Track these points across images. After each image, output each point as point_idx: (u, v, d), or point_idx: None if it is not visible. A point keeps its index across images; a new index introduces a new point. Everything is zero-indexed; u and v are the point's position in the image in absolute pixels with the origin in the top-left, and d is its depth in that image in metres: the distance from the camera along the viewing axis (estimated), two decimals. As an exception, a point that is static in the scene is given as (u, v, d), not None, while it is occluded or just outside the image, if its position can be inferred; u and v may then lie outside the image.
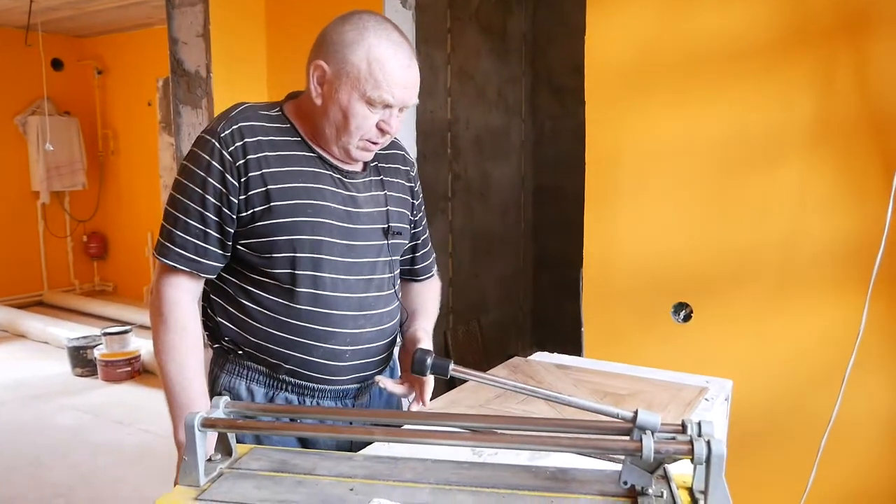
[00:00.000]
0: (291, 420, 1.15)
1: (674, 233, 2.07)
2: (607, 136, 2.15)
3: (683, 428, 0.82)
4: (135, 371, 4.41)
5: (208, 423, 0.89)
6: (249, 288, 1.24)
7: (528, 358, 1.60)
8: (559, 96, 4.52)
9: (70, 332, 4.89)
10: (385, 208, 1.32)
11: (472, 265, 4.11)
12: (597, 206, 2.19)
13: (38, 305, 6.38)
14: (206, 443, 0.91)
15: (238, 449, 0.97)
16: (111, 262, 6.94)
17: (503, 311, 4.39)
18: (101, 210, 6.83)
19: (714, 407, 1.31)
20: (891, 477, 1.84)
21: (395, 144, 1.42)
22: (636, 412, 0.82)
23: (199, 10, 2.64)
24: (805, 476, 1.85)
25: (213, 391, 1.28)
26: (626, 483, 0.84)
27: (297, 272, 1.21)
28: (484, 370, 1.39)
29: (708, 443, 0.78)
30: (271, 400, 1.25)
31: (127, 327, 4.51)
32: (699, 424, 0.81)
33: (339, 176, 1.26)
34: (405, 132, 2.75)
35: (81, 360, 4.49)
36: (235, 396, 1.25)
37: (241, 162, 1.18)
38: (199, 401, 1.21)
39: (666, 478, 0.86)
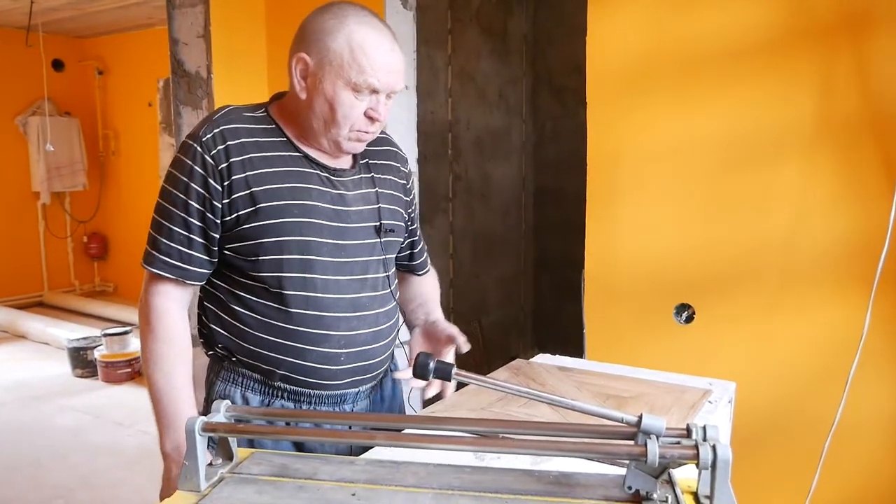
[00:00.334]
0: (288, 424, 1.15)
1: (675, 233, 2.06)
2: (608, 137, 2.14)
3: (688, 432, 0.81)
4: (135, 372, 4.40)
5: (209, 428, 0.88)
6: (240, 293, 1.23)
7: (530, 360, 1.59)
8: (560, 97, 4.52)
9: (70, 332, 4.89)
10: (376, 206, 1.30)
11: (472, 266, 4.10)
12: (598, 207, 2.18)
13: (39, 306, 6.38)
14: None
15: (239, 453, 0.96)
16: (111, 263, 6.94)
17: (504, 312, 4.38)
18: (102, 211, 6.82)
19: (717, 409, 1.30)
20: (895, 479, 1.83)
21: (385, 140, 1.40)
22: (640, 416, 0.81)
23: (199, 11, 2.63)
24: (809, 478, 1.84)
25: (210, 399, 1.27)
26: (630, 488, 0.83)
27: (286, 274, 1.19)
28: (485, 371, 1.38)
29: (713, 447, 0.77)
30: (267, 407, 1.24)
31: (127, 328, 4.51)
32: (704, 429, 0.80)
33: (326, 175, 1.24)
34: (406, 133, 2.75)
35: (81, 361, 4.49)
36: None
37: (223, 165, 1.17)
38: (186, 411, 1.19)
39: (671, 482, 0.85)
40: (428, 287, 1.54)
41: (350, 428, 1.20)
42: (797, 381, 1.93)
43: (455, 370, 0.97)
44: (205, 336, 1.29)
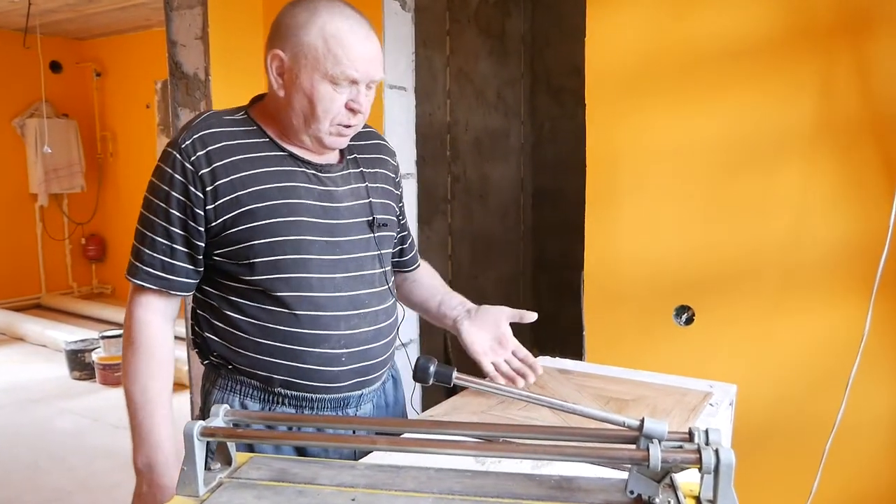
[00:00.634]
0: (290, 429, 1.14)
1: (675, 235, 2.06)
2: (608, 138, 2.14)
3: (691, 436, 0.81)
4: (133, 374, 4.39)
5: (208, 433, 0.87)
6: (233, 298, 1.20)
7: (530, 362, 1.58)
8: (558, 98, 4.52)
9: (68, 335, 4.88)
10: (367, 200, 1.28)
11: (471, 267, 4.10)
12: (597, 209, 2.18)
13: (36, 308, 6.37)
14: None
15: (237, 458, 0.96)
16: (109, 265, 6.92)
17: (503, 314, 4.37)
18: (100, 212, 6.82)
19: (719, 412, 1.29)
20: None
21: (372, 134, 1.38)
22: (642, 420, 0.80)
23: (197, 13, 2.63)
24: (810, 480, 1.84)
25: (206, 408, 1.25)
26: (632, 492, 0.82)
27: (279, 275, 1.17)
28: (484, 373, 1.37)
29: (716, 451, 0.76)
30: None
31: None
32: (706, 432, 0.80)
33: (313, 172, 1.22)
34: (404, 135, 2.74)
35: (79, 363, 4.48)
36: None
37: (205, 171, 1.15)
38: (159, 428, 1.18)
39: (673, 486, 0.84)
40: (435, 279, 1.53)
41: (354, 433, 1.19)
42: (798, 382, 1.93)
43: (455, 374, 0.96)
44: (199, 345, 1.27)
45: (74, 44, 6.61)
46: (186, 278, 1.20)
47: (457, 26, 3.82)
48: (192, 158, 1.15)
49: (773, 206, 1.91)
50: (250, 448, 1.11)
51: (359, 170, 1.30)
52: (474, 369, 1.38)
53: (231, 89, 2.68)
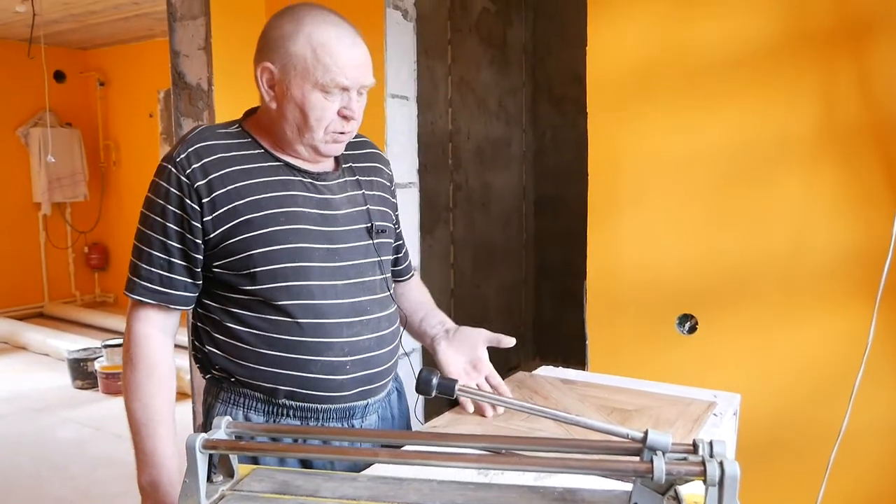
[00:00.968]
0: (294, 441, 1.13)
1: (677, 243, 2.05)
2: (609, 147, 2.14)
3: (695, 448, 0.80)
4: (135, 383, 4.38)
5: (210, 445, 0.87)
6: (234, 310, 1.20)
7: (533, 372, 1.58)
8: (560, 106, 4.53)
9: (70, 344, 4.88)
10: (365, 207, 1.28)
11: (473, 276, 4.09)
12: (599, 217, 2.18)
13: (39, 317, 6.37)
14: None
15: (240, 470, 0.95)
16: (112, 274, 6.93)
17: (505, 322, 4.37)
18: (103, 221, 6.83)
19: (723, 422, 1.29)
20: (900, 491, 1.82)
21: (366, 143, 1.38)
22: (646, 432, 0.80)
23: (200, 24, 2.64)
24: (815, 490, 1.83)
25: (208, 422, 1.24)
26: (636, 505, 0.82)
27: (280, 284, 1.17)
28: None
29: (721, 464, 0.76)
30: None
31: (127, 340, 4.49)
32: (711, 444, 0.79)
33: (309, 180, 1.22)
34: (406, 143, 2.75)
35: (82, 372, 4.48)
36: None
37: (200, 183, 1.15)
38: (163, 446, 1.17)
39: (677, 499, 0.84)
40: (424, 295, 1.53)
41: (360, 445, 1.19)
42: (802, 391, 1.92)
43: (458, 386, 0.96)
44: (200, 360, 1.26)
45: (78, 54, 6.65)
46: (185, 292, 1.20)
47: (458, 35, 3.83)
48: (188, 171, 1.15)
49: (776, 214, 1.91)
50: (254, 460, 1.11)
51: (355, 178, 1.30)
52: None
53: (234, 99, 2.69)
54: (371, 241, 1.27)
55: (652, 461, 0.78)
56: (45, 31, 5.46)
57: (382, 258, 1.30)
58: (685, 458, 0.79)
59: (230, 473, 0.94)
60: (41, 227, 6.54)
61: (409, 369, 1.43)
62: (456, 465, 0.85)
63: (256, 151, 1.21)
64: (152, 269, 1.18)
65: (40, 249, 6.55)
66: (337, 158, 1.30)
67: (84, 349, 4.63)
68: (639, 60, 2.07)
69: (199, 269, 1.19)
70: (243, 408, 1.22)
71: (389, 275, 1.34)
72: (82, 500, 3.01)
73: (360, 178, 1.31)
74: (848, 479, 1.84)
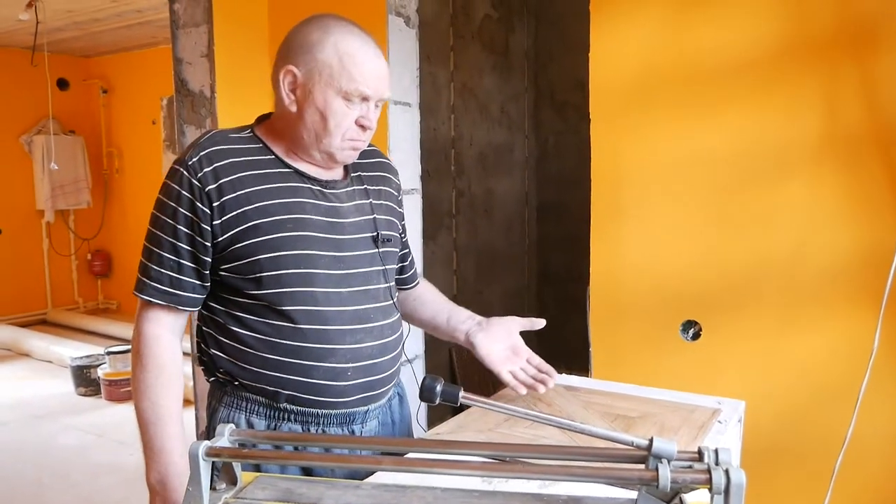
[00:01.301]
0: (296, 449, 1.13)
1: (681, 249, 2.05)
2: (612, 153, 2.14)
3: (700, 456, 0.80)
4: (138, 390, 4.38)
5: (213, 453, 0.87)
6: (239, 314, 1.21)
7: (536, 379, 1.58)
8: (562, 112, 4.53)
9: (73, 350, 4.88)
10: (372, 216, 1.29)
11: (476, 282, 4.09)
12: (602, 223, 2.17)
13: (42, 324, 6.38)
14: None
15: (243, 477, 0.95)
16: (115, 280, 6.94)
17: (508, 328, 4.36)
18: (106, 228, 6.84)
19: (728, 429, 1.28)
20: (906, 498, 1.81)
21: (375, 153, 1.40)
22: (651, 440, 0.80)
23: (203, 31, 2.65)
24: (820, 498, 1.82)
25: (212, 426, 1.25)
26: (641, 513, 0.81)
27: (285, 290, 1.18)
28: (489, 387, 1.37)
29: (726, 471, 0.75)
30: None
31: (130, 346, 4.49)
32: (716, 452, 0.79)
33: (318, 188, 1.24)
34: (409, 150, 2.75)
35: (85, 379, 4.48)
36: None
37: (211, 187, 1.17)
38: (171, 443, 1.18)
39: (682, 507, 0.83)
40: (439, 294, 1.55)
41: (361, 453, 1.18)
42: (807, 398, 1.91)
43: (462, 393, 0.96)
44: (205, 363, 1.27)
45: (81, 61, 6.67)
46: (193, 293, 1.21)
47: (461, 42, 3.84)
48: (199, 175, 1.17)
49: (779, 220, 1.91)
50: (257, 467, 1.10)
51: (363, 186, 1.32)
52: (480, 383, 1.37)
53: (236, 106, 2.70)
54: (377, 250, 1.28)
55: (657, 469, 0.77)
56: (49, 38, 5.48)
57: (387, 267, 1.31)
58: (690, 466, 0.79)
59: (233, 481, 0.93)
60: (44, 235, 6.55)
61: (411, 375, 1.43)
62: (460, 472, 0.85)
63: (267, 157, 1.23)
64: (162, 270, 1.19)
65: (43, 256, 6.56)
66: (346, 167, 1.31)
67: (87, 356, 4.63)
68: (641, 66, 2.07)
69: (207, 272, 1.20)
70: (245, 411, 1.23)
71: (394, 283, 1.35)
72: (85, 508, 3.01)
73: (369, 186, 1.33)
74: (854, 485, 1.83)
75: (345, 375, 1.22)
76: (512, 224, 4.44)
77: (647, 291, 2.11)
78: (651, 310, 2.11)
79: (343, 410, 1.23)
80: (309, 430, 1.22)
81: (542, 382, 1.35)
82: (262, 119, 1.30)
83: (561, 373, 1.65)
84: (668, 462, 0.78)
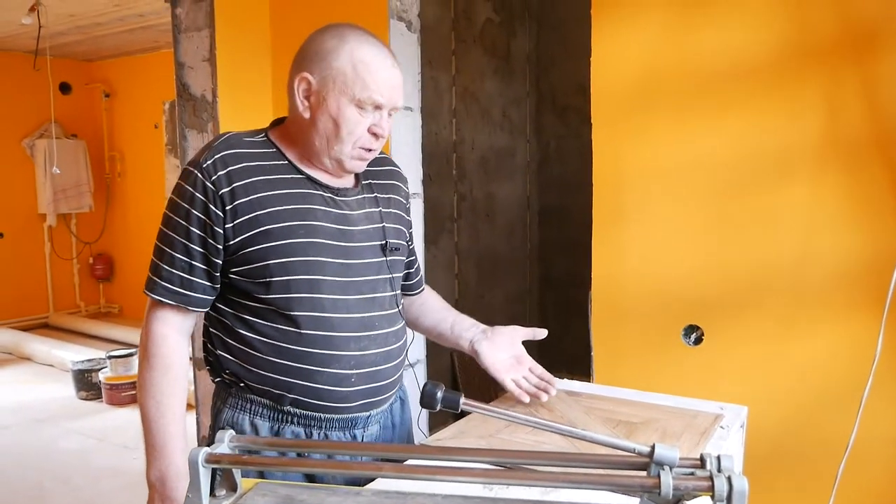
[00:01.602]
0: (298, 455, 1.13)
1: (683, 254, 2.05)
2: (614, 157, 2.13)
3: (702, 462, 0.79)
4: (139, 394, 4.37)
5: (213, 459, 0.86)
6: (246, 317, 1.22)
7: (538, 384, 1.57)
8: (563, 116, 4.53)
9: (75, 354, 4.88)
10: (381, 225, 1.30)
11: (478, 286, 4.09)
12: (604, 227, 2.17)
13: (44, 328, 6.38)
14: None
15: (243, 484, 0.95)
16: (117, 284, 6.94)
17: (510, 332, 4.36)
18: (108, 232, 6.84)
19: (730, 435, 1.28)
20: (910, 504, 1.80)
21: (386, 160, 1.41)
22: (653, 447, 0.79)
23: (205, 35, 2.65)
24: (823, 503, 1.81)
25: (216, 426, 1.26)
26: (643, 520, 0.81)
27: (293, 295, 1.19)
28: (491, 392, 1.37)
29: (729, 478, 0.75)
30: (277, 434, 1.22)
31: (132, 350, 4.49)
32: (719, 459, 0.78)
33: (329, 195, 1.25)
34: (410, 154, 2.75)
35: (86, 383, 4.47)
36: (239, 432, 1.22)
37: (225, 190, 1.17)
38: (173, 442, 1.19)
39: (684, 514, 0.83)
40: (443, 302, 1.56)
41: (362, 459, 1.18)
42: (810, 403, 1.90)
43: (463, 400, 0.95)
44: (210, 363, 1.28)
45: (84, 65, 6.68)
46: (204, 294, 1.22)
47: (462, 46, 3.84)
48: (213, 178, 1.17)
49: (781, 224, 1.90)
50: (259, 473, 1.10)
51: (373, 195, 1.33)
52: (482, 388, 1.37)
53: (238, 111, 2.70)
54: (384, 259, 1.29)
55: (659, 476, 0.77)
56: (51, 42, 5.49)
57: (394, 275, 1.32)
58: (693, 473, 0.78)
59: (233, 487, 0.93)
60: (46, 238, 6.55)
61: (412, 379, 1.43)
62: (461, 479, 0.84)
63: (280, 162, 1.24)
64: (173, 270, 1.20)
65: (45, 260, 6.57)
66: (357, 175, 1.32)
67: (88, 360, 4.63)
68: (642, 71, 2.07)
69: (218, 274, 1.21)
70: (249, 413, 1.24)
71: (399, 291, 1.37)
72: (86, 512, 3.00)
73: (379, 195, 1.34)
74: (857, 490, 1.82)
75: (348, 381, 1.23)
76: (513, 228, 4.43)
77: (649, 296, 2.11)
78: (653, 314, 2.10)
79: (345, 415, 1.24)
80: (311, 433, 1.23)
81: (545, 391, 1.38)
82: (277, 123, 1.31)
83: (563, 378, 1.65)
84: (670, 469, 0.78)
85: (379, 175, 1.36)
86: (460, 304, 3.95)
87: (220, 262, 1.20)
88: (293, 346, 1.20)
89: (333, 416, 1.23)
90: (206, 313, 1.27)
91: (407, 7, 2.67)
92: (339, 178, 1.27)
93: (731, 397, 1.52)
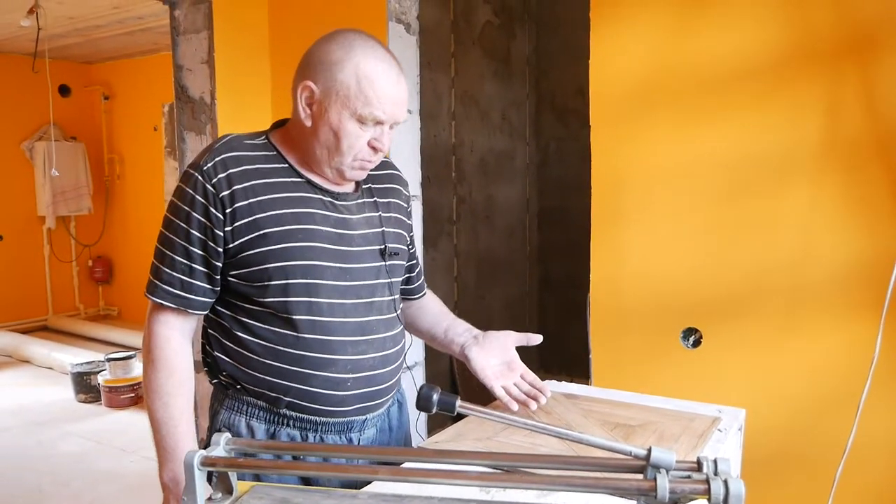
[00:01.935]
0: (294, 458, 1.13)
1: (681, 256, 2.05)
2: (612, 159, 2.13)
3: (699, 465, 0.79)
4: (138, 397, 4.37)
5: (208, 462, 0.86)
6: (245, 319, 1.22)
7: (536, 386, 1.57)
8: (563, 119, 4.53)
9: (74, 357, 4.87)
10: (380, 229, 1.30)
11: (477, 288, 4.09)
12: (603, 230, 2.17)
13: (43, 330, 6.37)
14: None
15: (239, 487, 0.94)
16: (116, 287, 6.93)
17: (509, 335, 4.35)
18: (107, 234, 6.84)
19: (728, 438, 1.27)
20: (909, 506, 1.80)
21: (387, 164, 1.40)
22: (650, 450, 0.79)
23: (203, 38, 2.65)
24: (821, 506, 1.81)
25: (213, 428, 1.26)
26: (639, 523, 0.81)
27: (291, 299, 1.19)
28: (489, 396, 1.37)
29: (725, 482, 0.75)
30: (273, 436, 1.22)
31: (130, 353, 4.49)
32: (715, 462, 0.78)
33: (329, 199, 1.24)
34: (409, 156, 2.75)
35: (85, 385, 4.46)
36: (235, 433, 1.22)
37: (225, 193, 1.17)
38: (183, 443, 1.19)
39: (681, 517, 0.83)
40: (441, 306, 1.55)
41: (358, 462, 1.18)
42: (808, 405, 1.90)
43: (459, 402, 0.95)
44: (208, 364, 1.29)
45: (83, 68, 6.68)
46: (204, 297, 1.22)
47: (461, 48, 3.85)
48: (214, 181, 1.17)
49: (781, 226, 1.90)
50: (255, 476, 1.10)
51: (373, 199, 1.32)
52: (480, 391, 1.37)
53: (236, 113, 2.70)
54: (383, 263, 1.29)
55: (655, 479, 0.77)
56: (50, 45, 5.49)
57: (393, 280, 1.32)
58: (689, 476, 0.78)
59: (229, 490, 0.93)
60: (45, 241, 6.55)
61: (410, 382, 1.43)
62: (458, 482, 0.84)
63: (281, 166, 1.23)
64: (174, 273, 1.20)
65: (44, 263, 6.56)
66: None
67: (87, 363, 4.62)
68: (641, 73, 2.07)
69: (218, 276, 1.21)
70: (246, 415, 1.24)
71: (398, 296, 1.36)
72: (84, 515, 2.99)
73: (378, 199, 1.33)
74: (855, 493, 1.82)
75: (345, 385, 1.22)
76: (513, 231, 4.43)
77: (648, 298, 2.10)
78: (651, 317, 2.10)
79: (341, 419, 1.24)
80: (307, 436, 1.23)
81: (535, 399, 1.35)
82: (279, 125, 1.30)
83: (562, 380, 1.65)
84: (667, 472, 0.78)
85: (379, 179, 1.36)
86: (460, 307, 3.94)
87: (220, 264, 1.20)
88: (290, 350, 1.20)
89: (329, 419, 1.23)
90: (205, 315, 1.27)
91: (406, 9, 2.67)
92: (339, 184, 1.27)
93: (730, 400, 1.52)
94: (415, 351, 2.84)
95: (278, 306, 1.19)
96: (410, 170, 2.74)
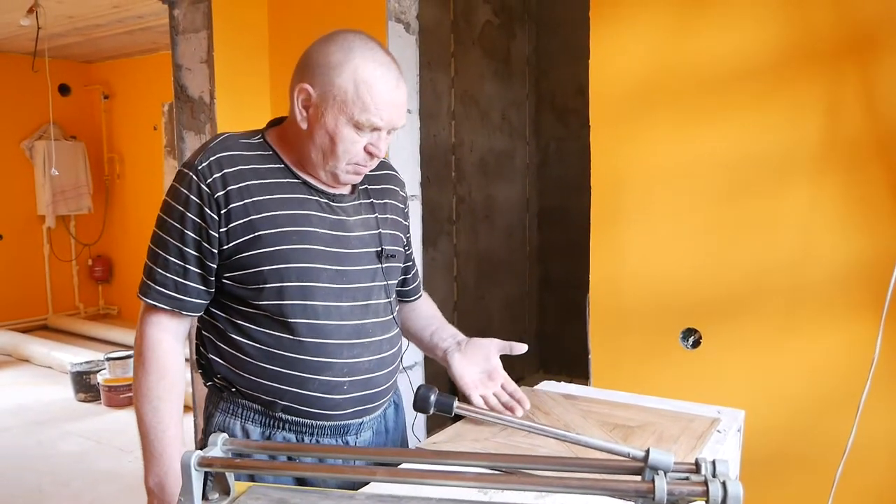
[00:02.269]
0: (290, 459, 1.12)
1: (681, 257, 2.04)
2: (612, 159, 2.13)
3: (697, 467, 0.79)
4: (138, 396, 4.36)
5: (205, 463, 0.86)
6: (239, 322, 1.20)
7: (535, 387, 1.57)
8: (563, 118, 4.53)
9: (73, 356, 4.87)
10: (377, 231, 1.28)
11: (477, 288, 4.08)
12: (603, 230, 2.17)
13: (43, 329, 6.37)
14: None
15: (236, 487, 0.94)
16: (116, 286, 6.94)
17: (509, 334, 4.34)
18: (107, 234, 6.84)
19: (727, 439, 1.27)
20: (909, 507, 1.79)
21: (384, 165, 1.38)
22: (648, 451, 0.79)
23: (202, 37, 2.65)
24: (820, 507, 1.80)
25: (208, 431, 1.25)
26: (637, 525, 0.81)
27: (286, 302, 1.17)
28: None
29: (723, 484, 0.74)
30: (268, 440, 1.22)
31: (130, 352, 4.48)
32: (714, 463, 0.78)
33: (325, 200, 1.23)
34: (409, 156, 2.75)
35: (84, 385, 4.47)
36: (231, 436, 1.21)
37: (220, 193, 1.15)
38: (171, 448, 1.18)
39: (679, 519, 0.82)
40: (434, 309, 1.53)
41: (355, 463, 1.18)
42: (807, 406, 1.90)
43: (457, 403, 0.95)
44: (203, 367, 1.27)
45: (83, 67, 6.68)
46: (198, 299, 1.20)
47: (461, 48, 3.84)
48: (209, 181, 1.15)
49: (781, 227, 1.90)
50: (251, 477, 1.09)
51: (369, 201, 1.31)
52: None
53: (236, 112, 2.70)
54: (380, 265, 1.27)
55: (653, 481, 0.76)
56: (50, 44, 5.49)
57: (389, 282, 1.30)
58: (687, 478, 0.78)
59: (226, 491, 0.93)
60: (45, 240, 6.55)
61: (408, 384, 1.42)
62: (456, 483, 0.84)
63: (276, 166, 1.21)
64: (167, 274, 1.18)
65: (44, 262, 6.56)
66: None
67: (87, 362, 4.62)
68: (641, 73, 2.06)
69: (212, 278, 1.20)
70: (241, 418, 1.23)
71: (394, 298, 1.35)
72: (83, 515, 2.99)
73: (375, 200, 1.32)
74: (855, 494, 1.82)
75: (341, 389, 1.21)
76: (513, 230, 4.43)
77: (647, 299, 2.10)
78: (651, 317, 2.10)
79: (338, 422, 1.23)
80: (303, 439, 1.22)
81: (511, 410, 1.32)
82: (275, 123, 1.28)
83: (560, 380, 1.65)
84: (665, 474, 0.77)
85: (376, 179, 1.34)
86: (459, 307, 3.94)
87: (215, 266, 1.18)
88: (285, 353, 1.18)
89: (325, 423, 1.22)
90: (200, 317, 1.26)
91: (405, 9, 2.66)
92: (334, 187, 1.26)
93: (729, 401, 1.52)
94: (413, 352, 2.84)
95: (273, 309, 1.18)
96: (410, 169, 2.74)
